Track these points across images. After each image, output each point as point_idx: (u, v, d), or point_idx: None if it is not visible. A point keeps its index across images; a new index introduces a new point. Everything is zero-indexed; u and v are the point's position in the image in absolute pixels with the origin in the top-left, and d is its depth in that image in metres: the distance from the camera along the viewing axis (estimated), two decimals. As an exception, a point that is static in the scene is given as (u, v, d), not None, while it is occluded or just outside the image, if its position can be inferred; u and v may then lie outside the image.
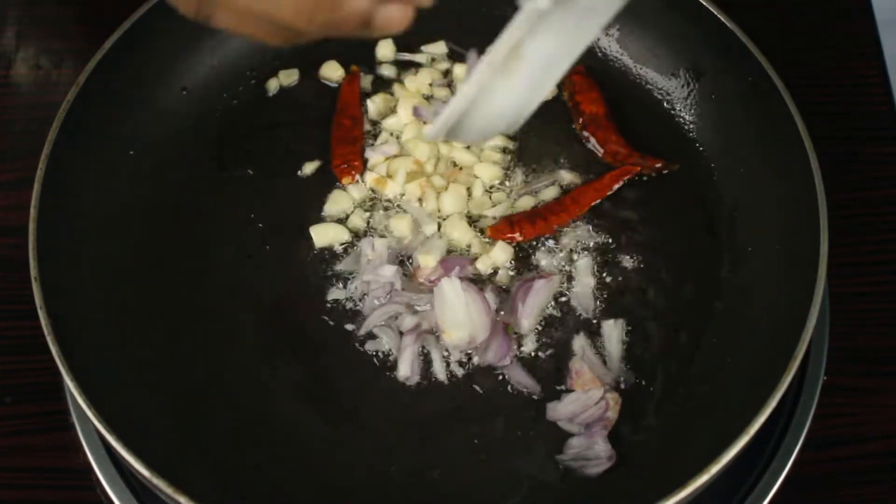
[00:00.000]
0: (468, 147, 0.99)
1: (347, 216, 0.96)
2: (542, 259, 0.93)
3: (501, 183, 0.98)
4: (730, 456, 0.75)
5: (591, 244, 0.94)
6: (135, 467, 0.75)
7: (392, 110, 1.01)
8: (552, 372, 0.88)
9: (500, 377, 0.88)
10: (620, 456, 0.84)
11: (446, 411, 0.87)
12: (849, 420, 0.93)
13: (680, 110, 1.01)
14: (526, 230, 0.94)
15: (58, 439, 0.92)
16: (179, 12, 0.60)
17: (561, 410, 0.86)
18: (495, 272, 0.93)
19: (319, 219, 0.96)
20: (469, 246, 0.94)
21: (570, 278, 0.92)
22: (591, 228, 0.95)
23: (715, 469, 0.75)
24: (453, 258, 0.93)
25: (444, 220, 0.95)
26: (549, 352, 0.89)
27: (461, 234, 0.94)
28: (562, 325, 0.91)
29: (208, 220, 0.95)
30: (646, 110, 1.01)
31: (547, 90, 0.64)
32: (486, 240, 0.94)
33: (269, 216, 0.96)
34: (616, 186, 0.96)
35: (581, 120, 1.00)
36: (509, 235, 0.93)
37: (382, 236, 0.94)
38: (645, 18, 1.01)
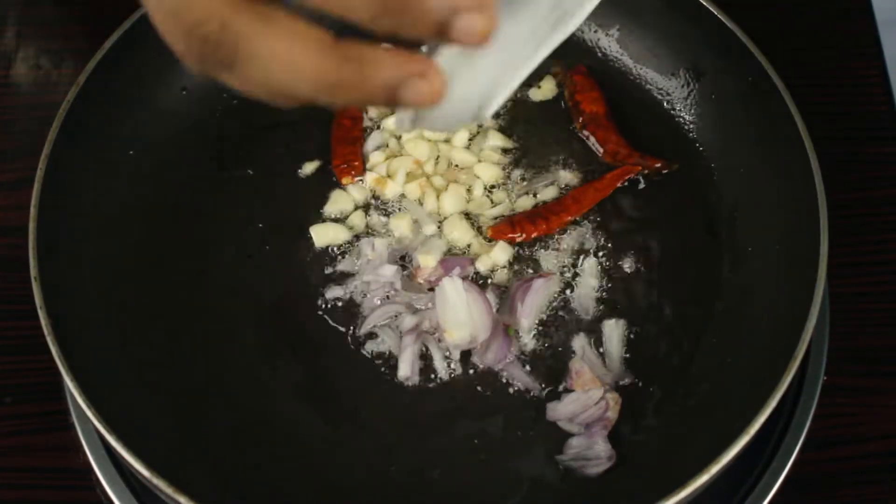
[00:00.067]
0: (468, 147, 0.99)
1: (347, 216, 0.96)
2: (543, 259, 0.93)
3: (502, 183, 0.98)
4: (730, 456, 0.75)
5: (592, 244, 0.94)
6: (135, 467, 0.75)
7: (392, 110, 1.01)
8: (552, 372, 0.88)
9: (501, 377, 0.88)
10: (620, 456, 0.84)
11: (446, 411, 0.87)
12: (849, 420, 0.93)
13: (680, 110, 1.01)
14: (527, 230, 0.94)
15: (58, 439, 0.92)
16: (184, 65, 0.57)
17: (561, 410, 0.86)
18: (495, 272, 0.93)
19: (319, 219, 0.96)
20: (469, 246, 0.94)
21: (571, 278, 0.92)
22: (591, 228, 0.95)
23: (715, 469, 0.75)
24: (453, 258, 0.93)
25: (444, 220, 0.95)
26: (549, 352, 0.89)
27: (461, 234, 0.94)
28: (562, 324, 0.91)
29: (208, 220, 0.95)
30: (646, 110, 1.01)
31: (516, 79, 0.62)
32: (486, 240, 0.94)
33: (269, 216, 0.96)
34: (617, 185, 0.96)
35: (581, 120, 1.00)
36: (510, 235, 0.93)
37: (382, 236, 0.94)
38: (645, 18, 1.02)
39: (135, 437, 0.77)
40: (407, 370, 0.87)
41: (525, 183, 0.98)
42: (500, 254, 0.93)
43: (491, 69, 0.58)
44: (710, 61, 0.98)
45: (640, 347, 0.90)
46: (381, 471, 0.84)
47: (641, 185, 0.97)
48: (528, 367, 0.89)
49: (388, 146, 1.00)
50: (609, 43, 1.04)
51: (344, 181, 0.97)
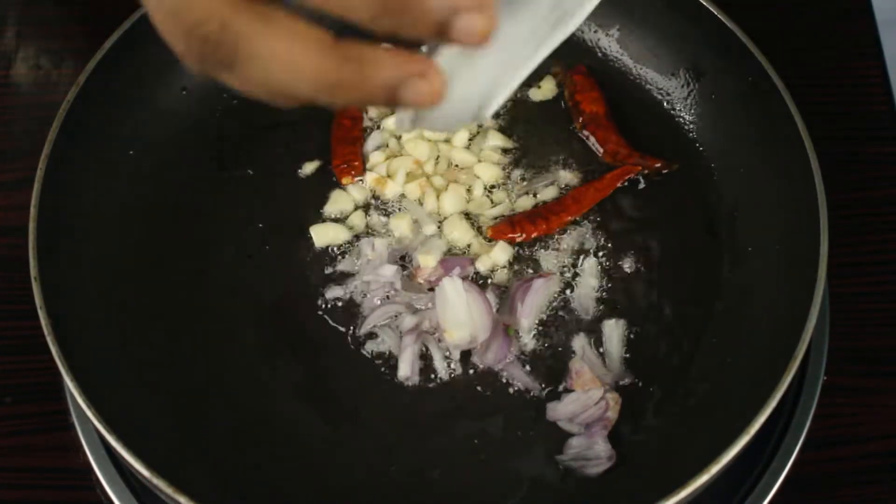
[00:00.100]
0: (468, 147, 0.99)
1: (347, 216, 0.96)
2: (543, 259, 0.93)
3: (502, 183, 0.98)
4: (730, 456, 0.75)
5: (592, 244, 0.94)
6: (135, 467, 0.75)
7: (392, 110, 1.01)
8: (552, 372, 0.88)
9: (501, 377, 0.88)
10: (620, 456, 0.84)
11: (446, 411, 0.87)
12: (849, 420, 0.93)
13: (680, 110, 1.01)
14: (527, 230, 0.94)
15: (58, 439, 0.92)
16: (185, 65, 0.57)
17: (561, 410, 0.86)
18: (495, 272, 0.93)
19: (319, 219, 0.96)
20: (469, 246, 0.94)
21: (571, 278, 0.92)
22: (591, 228, 0.95)
23: (715, 469, 0.75)
24: (453, 258, 0.93)
25: (444, 220, 0.95)
26: (549, 352, 0.89)
27: (461, 234, 0.94)
28: (562, 324, 0.91)
29: (208, 220, 0.95)
30: (646, 110, 1.01)
31: (516, 79, 0.62)
32: (486, 240, 0.94)
33: (269, 216, 0.96)
34: (617, 186, 0.96)
35: (581, 120, 1.00)
36: (510, 235, 0.93)
37: (382, 236, 0.94)
38: (645, 18, 1.02)
39: (135, 437, 0.77)
40: (407, 370, 0.87)
41: (525, 183, 0.98)
42: (500, 254, 0.93)
43: (491, 69, 0.58)
44: (710, 61, 0.98)
45: (640, 347, 0.90)
46: (381, 471, 0.84)
47: (641, 185, 0.97)
48: (528, 367, 0.89)
49: (388, 146, 1.00)
50: (609, 43, 1.04)
51: (344, 181, 0.97)
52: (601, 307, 0.91)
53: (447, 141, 0.99)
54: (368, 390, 0.88)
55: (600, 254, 0.94)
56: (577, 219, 0.95)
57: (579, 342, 0.89)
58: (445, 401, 0.87)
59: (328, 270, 0.93)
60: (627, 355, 0.89)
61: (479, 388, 0.88)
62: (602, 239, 0.94)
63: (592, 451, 0.84)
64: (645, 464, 0.84)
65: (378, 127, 1.01)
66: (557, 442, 0.85)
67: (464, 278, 0.90)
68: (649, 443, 0.85)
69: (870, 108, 1.09)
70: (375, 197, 0.97)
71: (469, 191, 0.97)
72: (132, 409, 0.83)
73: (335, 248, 0.94)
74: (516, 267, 0.93)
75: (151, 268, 0.92)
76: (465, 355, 0.89)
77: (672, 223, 0.96)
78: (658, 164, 0.97)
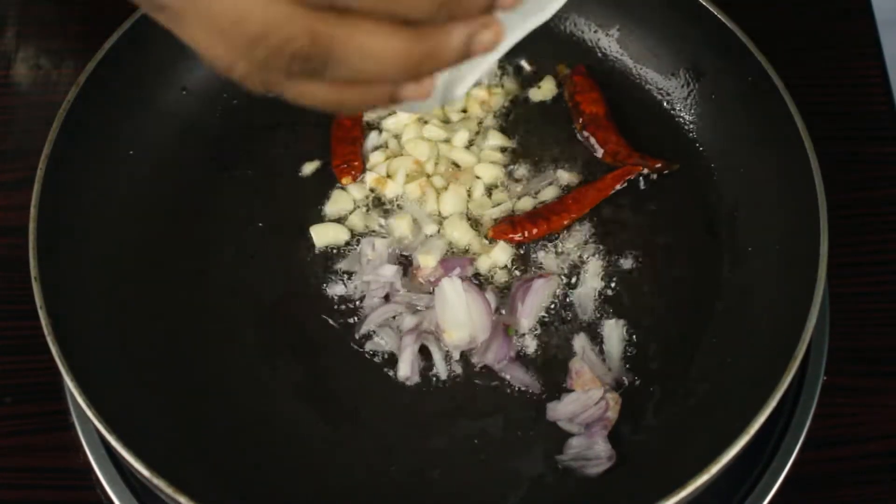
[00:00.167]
0: (468, 147, 0.99)
1: (347, 216, 0.96)
2: (543, 259, 0.93)
3: (502, 183, 0.98)
4: (730, 456, 0.75)
5: (592, 244, 0.94)
6: (135, 467, 0.75)
7: (392, 110, 1.01)
8: (552, 372, 0.88)
9: (501, 377, 0.88)
10: (620, 456, 0.84)
11: (446, 411, 0.87)
12: (849, 420, 0.93)
13: (680, 110, 1.01)
14: (527, 230, 0.94)
15: (58, 439, 0.92)
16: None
17: (561, 410, 0.86)
18: (495, 272, 0.93)
19: (319, 219, 0.96)
20: (469, 246, 0.94)
21: (572, 279, 0.92)
22: (591, 228, 0.95)
23: (715, 469, 0.75)
24: (453, 258, 0.93)
25: (444, 220, 0.95)
26: (549, 352, 0.89)
27: (461, 234, 0.94)
28: (562, 324, 0.91)
29: (208, 220, 0.95)
30: (646, 110, 1.01)
31: (485, 63, 0.62)
32: (487, 240, 0.94)
33: (269, 216, 0.96)
34: (617, 187, 0.96)
35: (581, 120, 1.00)
36: (510, 236, 0.93)
37: (382, 236, 0.94)
38: (645, 18, 1.02)
39: (135, 437, 0.77)
40: (407, 370, 0.87)
41: (525, 183, 0.98)
42: (500, 254, 0.93)
43: None
44: (710, 61, 0.98)
45: (641, 347, 0.90)
46: (381, 471, 0.84)
47: (641, 186, 0.97)
48: (528, 367, 0.89)
49: (388, 146, 1.00)
50: (609, 43, 1.04)
51: (344, 181, 0.97)
52: (601, 307, 0.91)
53: (447, 141, 0.99)
54: (368, 390, 0.88)
55: (600, 254, 0.94)
56: (578, 219, 0.95)
57: (579, 342, 0.89)
58: (445, 401, 0.87)
59: (328, 270, 0.93)
60: (627, 355, 0.89)
61: (479, 388, 0.88)
62: (602, 239, 0.94)
63: (592, 451, 0.84)
64: (645, 464, 0.84)
65: (378, 127, 1.01)
66: (557, 442, 0.85)
67: (464, 278, 0.90)
68: (649, 443, 0.85)
69: (870, 108, 1.09)
70: (375, 197, 0.97)
71: (469, 191, 0.97)
72: (132, 409, 0.83)
73: (335, 249, 0.94)
74: (516, 267, 0.93)
75: (151, 268, 0.92)
76: (465, 355, 0.89)
77: (672, 223, 0.96)
78: (659, 165, 0.97)
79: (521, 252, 0.94)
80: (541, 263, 0.93)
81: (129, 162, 0.95)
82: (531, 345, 0.90)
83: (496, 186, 0.98)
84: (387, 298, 0.91)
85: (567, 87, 1.02)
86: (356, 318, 0.90)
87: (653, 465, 0.84)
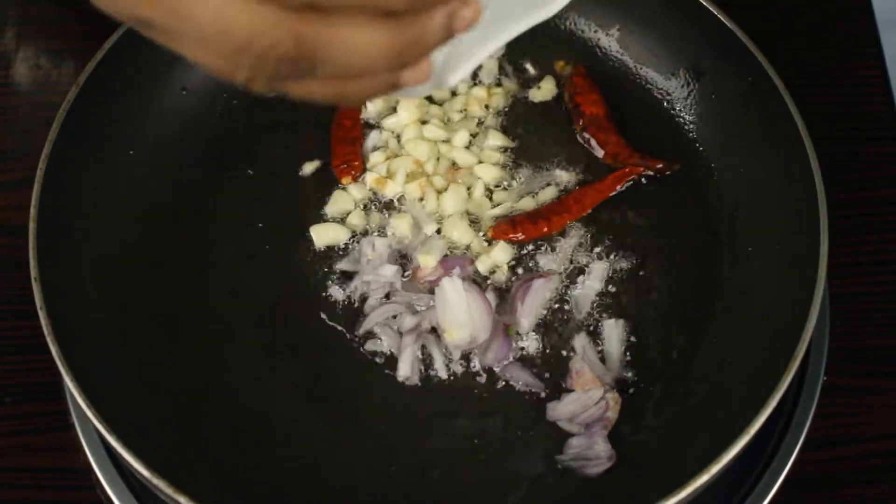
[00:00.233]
0: (468, 147, 0.99)
1: (347, 216, 0.96)
2: (543, 259, 0.93)
3: (502, 183, 0.98)
4: (730, 456, 0.75)
5: (592, 244, 0.94)
6: (135, 467, 0.75)
7: (392, 110, 1.01)
8: (552, 372, 0.88)
9: (501, 377, 0.88)
10: (620, 456, 0.84)
11: (446, 411, 0.87)
12: (849, 420, 0.93)
13: (680, 110, 1.01)
14: (528, 230, 0.94)
15: (58, 439, 0.92)
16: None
17: (561, 410, 0.86)
18: (495, 272, 0.93)
19: (319, 219, 0.96)
20: (469, 246, 0.94)
21: (572, 279, 0.92)
22: (592, 229, 0.95)
23: (715, 469, 0.75)
24: (453, 258, 0.93)
25: (444, 220, 0.95)
26: (548, 352, 0.89)
27: (461, 234, 0.94)
28: (562, 324, 0.91)
29: (208, 220, 0.95)
30: (646, 110, 1.01)
31: (482, 53, 0.63)
32: (487, 240, 0.94)
33: (269, 216, 0.96)
34: (618, 188, 0.96)
35: (581, 122, 1.00)
36: (511, 236, 0.93)
37: (382, 236, 0.94)
38: (645, 18, 1.02)
39: (135, 437, 0.77)
40: (407, 370, 0.87)
41: (525, 183, 0.98)
42: (501, 254, 0.93)
43: (454, 41, 0.59)
44: (710, 61, 0.98)
45: (640, 347, 0.90)
46: (381, 471, 0.84)
47: (642, 186, 0.97)
48: (527, 367, 0.89)
49: (388, 146, 1.00)
50: (609, 43, 1.04)
51: (344, 181, 0.97)
52: (601, 307, 0.91)
53: (447, 141, 0.99)
54: (368, 390, 0.88)
55: (601, 254, 0.94)
56: (578, 219, 0.95)
57: (579, 342, 0.89)
58: (445, 401, 0.87)
59: (328, 270, 0.93)
60: (627, 355, 0.89)
61: (479, 388, 0.88)
62: (602, 239, 0.94)
63: (592, 451, 0.84)
64: (645, 464, 0.84)
65: (378, 126, 1.01)
66: (557, 442, 0.85)
67: (464, 278, 0.90)
68: (649, 443, 0.85)
69: (870, 108, 1.09)
70: (375, 197, 0.97)
71: (469, 191, 0.97)
72: (132, 409, 0.83)
73: (335, 249, 0.94)
74: (517, 267, 0.93)
75: (151, 268, 0.92)
76: (465, 355, 0.89)
77: (672, 223, 0.96)
78: (660, 165, 0.97)
79: (521, 252, 0.94)
80: (541, 263, 0.93)
81: (129, 162, 0.95)
82: (531, 345, 0.90)
83: (496, 186, 0.98)
84: (387, 298, 0.91)
85: (567, 89, 1.02)
86: (356, 318, 0.90)
87: (653, 465, 0.84)
